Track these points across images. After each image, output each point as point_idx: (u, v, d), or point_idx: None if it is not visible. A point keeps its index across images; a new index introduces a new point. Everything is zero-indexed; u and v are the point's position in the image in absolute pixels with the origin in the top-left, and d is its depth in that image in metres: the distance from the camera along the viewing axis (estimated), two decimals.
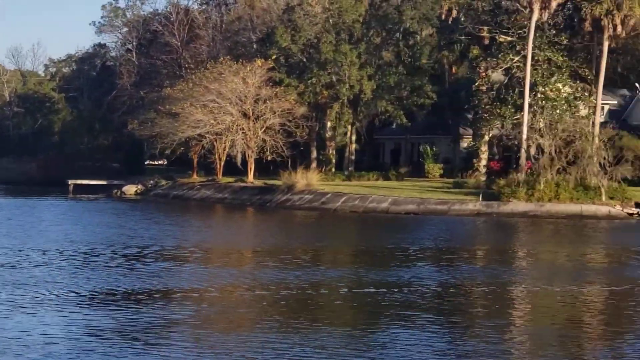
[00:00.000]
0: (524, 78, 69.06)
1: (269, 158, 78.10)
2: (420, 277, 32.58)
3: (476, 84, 73.27)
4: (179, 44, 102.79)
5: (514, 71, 71.46)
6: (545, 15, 68.98)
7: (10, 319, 23.51)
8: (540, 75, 71.23)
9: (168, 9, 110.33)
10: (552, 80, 71.76)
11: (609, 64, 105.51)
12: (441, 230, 53.02)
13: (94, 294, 27.74)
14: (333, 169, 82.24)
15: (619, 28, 67.87)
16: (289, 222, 59.01)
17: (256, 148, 78.60)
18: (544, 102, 71.11)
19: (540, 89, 71.23)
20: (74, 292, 27.74)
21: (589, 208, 63.31)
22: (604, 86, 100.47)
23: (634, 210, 63.72)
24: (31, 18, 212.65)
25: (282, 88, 78.57)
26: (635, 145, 68.00)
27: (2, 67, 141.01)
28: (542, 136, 64.50)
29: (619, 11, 67.51)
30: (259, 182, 77.95)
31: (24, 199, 77.56)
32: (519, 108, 69.31)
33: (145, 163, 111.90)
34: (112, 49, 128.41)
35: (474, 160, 75.73)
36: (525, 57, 68.92)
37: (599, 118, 71.79)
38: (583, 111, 74.55)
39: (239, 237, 50.11)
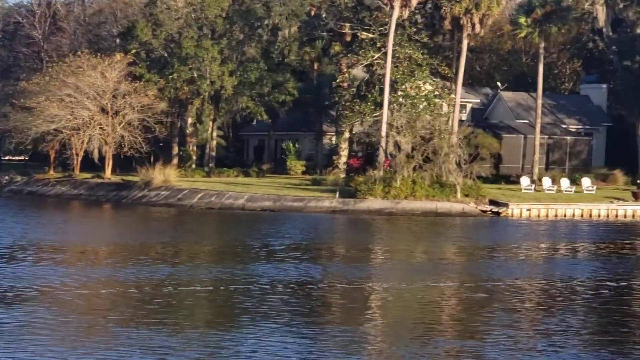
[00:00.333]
0: (384, 75, 69.08)
1: (128, 154, 76.65)
2: (259, 275, 32.14)
3: (337, 81, 73.07)
4: (40, 36, 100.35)
5: (374, 68, 71.44)
6: (406, 13, 69.13)
7: None
8: (401, 72, 71.37)
9: (31, 1, 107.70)
10: (413, 77, 71.91)
11: (473, 62, 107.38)
12: (294, 227, 52.54)
13: None
14: (194, 165, 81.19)
15: (478, 27, 68.43)
16: (142, 219, 57.97)
17: (114, 144, 77.04)
18: (404, 99, 71.24)
19: (401, 86, 71.34)
20: None
21: (443, 205, 63.63)
22: (468, 85, 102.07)
23: (488, 208, 64.32)
24: None
25: (142, 83, 77.15)
26: (490, 143, 68.71)
27: None
28: (399, 133, 64.52)
29: (478, 10, 68.04)
30: (116, 179, 76.44)
31: None
32: (379, 105, 69.29)
33: (5, 158, 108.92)
34: None
35: (334, 158, 75.61)
36: (386, 54, 68.93)
37: (458, 116, 72.20)
38: (446, 109, 74.99)
39: (83, 234, 48.79)
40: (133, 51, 78.67)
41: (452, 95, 72.97)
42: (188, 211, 62.79)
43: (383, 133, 66.35)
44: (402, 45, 70.96)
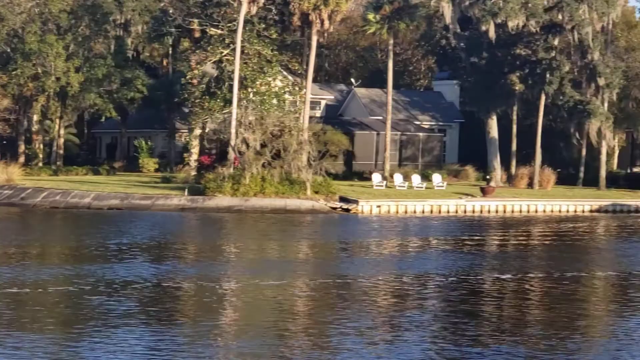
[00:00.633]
0: (234, 71, 68.24)
1: None
2: (86, 275, 31.15)
3: (187, 77, 71.96)
4: None
5: (224, 64, 70.52)
6: (255, 9, 68.46)
7: None
8: (250, 69, 70.63)
9: None
10: (263, 74, 71.26)
11: (330, 59, 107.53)
12: (139, 226, 51.58)
13: None
14: (40, 164, 78.92)
15: (327, 23, 68.15)
16: None
17: None
18: (253, 96, 70.55)
19: (251, 83, 70.61)
20: None
21: (293, 202, 63.24)
22: (325, 81, 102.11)
23: (338, 205, 64.18)
24: None
25: None
26: (339, 139, 68.61)
27: None
28: (247, 130, 63.84)
29: (326, 6, 67.74)
30: None
31: None
32: (229, 102, 68.42)
33: None
34: None
35: (185, 155, 74.54)
36: (235, 50, 68.11)
37: (308, 112, 71.68)
38: (300, 105, 74.52)
39: None
40: None
41: (304, 92, 72.55)
42: (31, 210, 60.94)
43: (233, 130, 65.54)
44: (251, 42, 70.21)
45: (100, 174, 76.43)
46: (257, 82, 70.86)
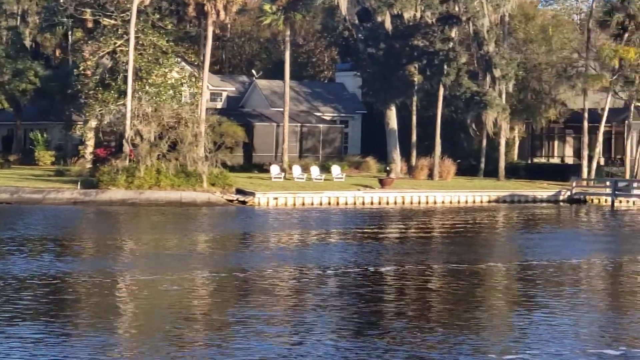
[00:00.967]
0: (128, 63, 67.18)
1: None
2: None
3: (81, 69, 70.68)
4: None
5: (118, 56, 69.35)
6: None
7: None
8: (145, 60, 69.58)
9: None
10: (159, 65, 70.24)
11: (234, 50, 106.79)
12: (27, 220, 50.37)
13: None
14: None
15: (223, 14, 67.33)
16: None
17: None
18: (149, 87, 69.51)
19: (146, 74, 69.57)
20: None
21: (189, 195, 62.53)
22: (227, 73, 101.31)
23: (234, 197, 63.65)
24: None
25: None
26: (235, 131, 68.02)
27: None
28: (141, 122, 62.92)
29: None
30: None
31: None
32: (124, 93, 67.31)
33: None
34: None
35: (80, 148, 73.29)
36: (129, 41, 67.02)
37: (205, 104, 70.80)
38: (198, 97, 73.64)
39: None
40: None
41: (200, 84, 71.72)
42: None
43: (128, 122, 64.54)
44: (146, 33, 69.14)
45: None
46: (153, 74, 69.81)
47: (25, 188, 62.54)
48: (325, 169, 73.50)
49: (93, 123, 71.58)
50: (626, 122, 79.41)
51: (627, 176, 77.11)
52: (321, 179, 70.92)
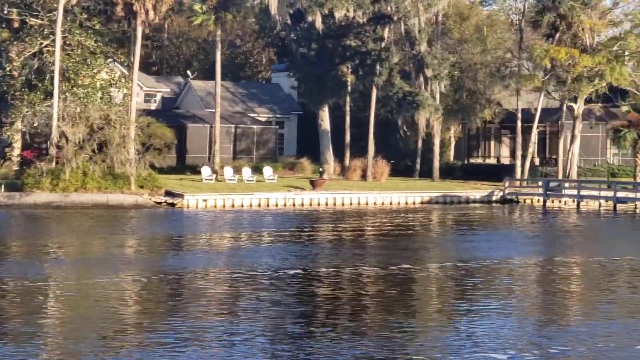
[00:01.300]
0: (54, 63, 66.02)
1: None
2: None
3: (7, 69, 69.40)
4: None
5: (44, 56, 68.13)
6: None
7: None
8: (73, 60, 68.41)
9: None
10: (87, 66, 69.09)
11: (171, 50, 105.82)
12: None
13: None
14: None
15: (152, 13, 66.44)
16: None
17: None
18: (76, 88, 68.34)
19: (73, 75, 68.39)
20: None
21: (116, 197, 61.68)
22: (164, 74, 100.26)
23: (163, 199, 62.89)
24: None
25: None
26: (163, 132, 67.18)
27: None
28: (67, 124, 61.89)
29: None
30: None
31: None
32: (51, 94, 66.14)
33: None
34: None
35: (7, 150, 71.91)
36: (55, 41, 65.87)
37: (135, 105, 69.59)
38: (129, 98, 72.57)
39: None
40: None
41: (130, 85, 70.69)
42: None
43: (54, 123, 63.46)
44: (73, 32, 67.97)
45: None
46: (81, 75, 68.63)
47: None
48: (258, 170, 72.86)
49: (20, 125, 70.22)
50: (559, 122, 79.54)
51: (560, 176, 77.25)
52: (253, 181, 70.21)
